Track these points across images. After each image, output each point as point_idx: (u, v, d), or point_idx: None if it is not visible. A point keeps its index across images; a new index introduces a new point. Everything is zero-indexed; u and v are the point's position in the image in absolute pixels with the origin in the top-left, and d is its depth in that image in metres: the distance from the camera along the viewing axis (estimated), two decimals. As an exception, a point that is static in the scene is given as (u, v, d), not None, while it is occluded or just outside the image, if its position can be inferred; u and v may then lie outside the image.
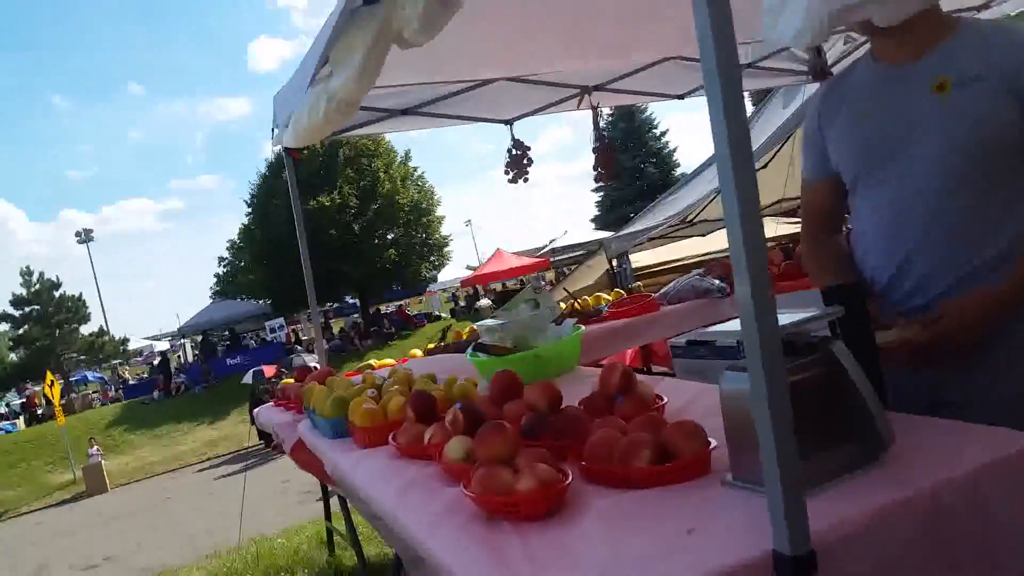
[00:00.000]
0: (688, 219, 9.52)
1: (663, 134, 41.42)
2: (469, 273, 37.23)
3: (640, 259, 10.53)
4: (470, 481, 1.60)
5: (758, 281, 1.08)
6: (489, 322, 2.91)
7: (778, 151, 8.73)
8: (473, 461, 1.73)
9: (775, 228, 11.81)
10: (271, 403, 3.77)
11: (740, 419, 1.38)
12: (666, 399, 1.94)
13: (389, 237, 31.49)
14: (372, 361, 4.17)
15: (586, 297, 4.54)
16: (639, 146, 40.74)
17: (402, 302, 38.26)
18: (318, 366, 4.10)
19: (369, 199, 30.17)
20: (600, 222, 40.59)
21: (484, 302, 31.13)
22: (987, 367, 1.73)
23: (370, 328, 31.10)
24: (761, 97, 9.69)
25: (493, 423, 1.64)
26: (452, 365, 3.20)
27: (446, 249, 34.20)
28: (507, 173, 4.56)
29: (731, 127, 1.07)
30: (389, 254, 30.74)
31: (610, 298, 4.55)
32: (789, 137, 8.42)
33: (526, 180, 4.57)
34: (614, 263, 10.29)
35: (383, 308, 36.50)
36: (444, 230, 33.84)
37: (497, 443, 1.58)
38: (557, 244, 36.23)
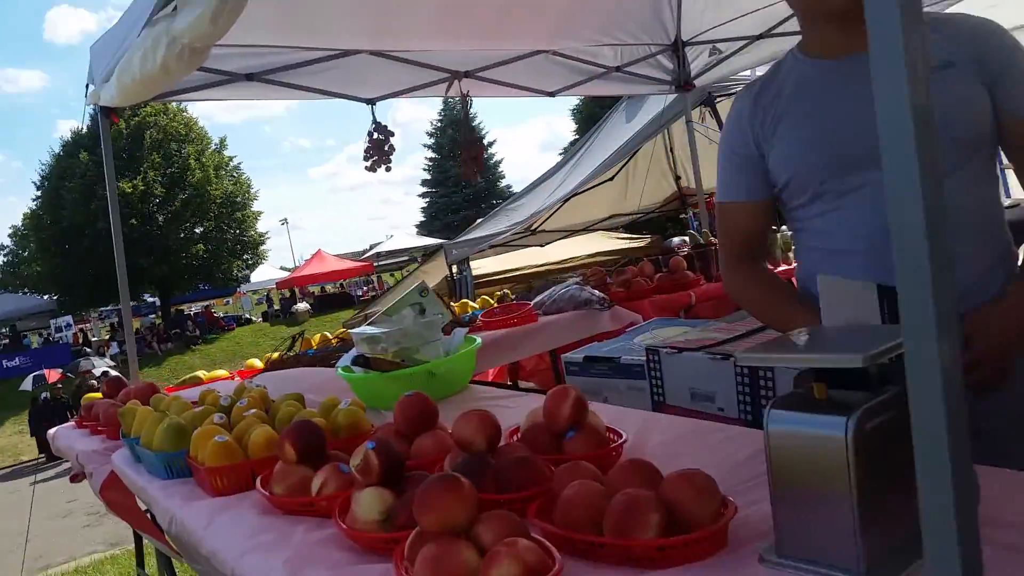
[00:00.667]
0: (532, 228, 9.35)
1: (490, 144, 41.75)
2: (285, 274, 35.48)
3: (481, 267, 10.24)
4: (404, 559, 1.13)
5: (941, 294, 0.70)
6: (368, 330, 2.40)
7: (623, 166, 8.78)
8: (395, 525, 1.26)
9: (605, 243, 11.99)
10: (72, 423, 3.00)
11: (804, 473, 1.03)
12: (624, 435, 1.55)
13: (198, 231, 29.19)
14: (200, 373, 3.49)
15: (452, 304, 4.10)
16: (466, 155, 40.74)
17: (208, 303, 35.66)
18: (120, 375, 3.36)
19: (177, 188, 27.82)
20: (425, 228, 40.26)
21: (302, 306, 29.71)
22: (1015, 389, 1.50)
23: (171, 331, 28.63)
24: (607, 106, 9.71)
25: (443, 476, 1.17)
26: (315, 382, 2.65)
27: (261, 247, 32.28)
28: (367, 159, 4.04)
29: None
30: (197, 249, 28.46)
31: (476, 306, 4.14)
32: (633, 153, 8.47)
33: (388, 168, 4.08)
34: (454, 269, 9.92)
35: (185, 309, 33.80)
36: (260, 227, 31.93)
37: (450, 505, 1.11)
38: (382, 248, 35.50)
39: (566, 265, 11.51)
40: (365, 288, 34.08)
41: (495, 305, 3.92)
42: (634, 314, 3.65)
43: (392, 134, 4.02)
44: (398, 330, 2.35)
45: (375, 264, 34.63)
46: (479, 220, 11.23)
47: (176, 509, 1.75)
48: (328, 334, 3.64)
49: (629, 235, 12.35)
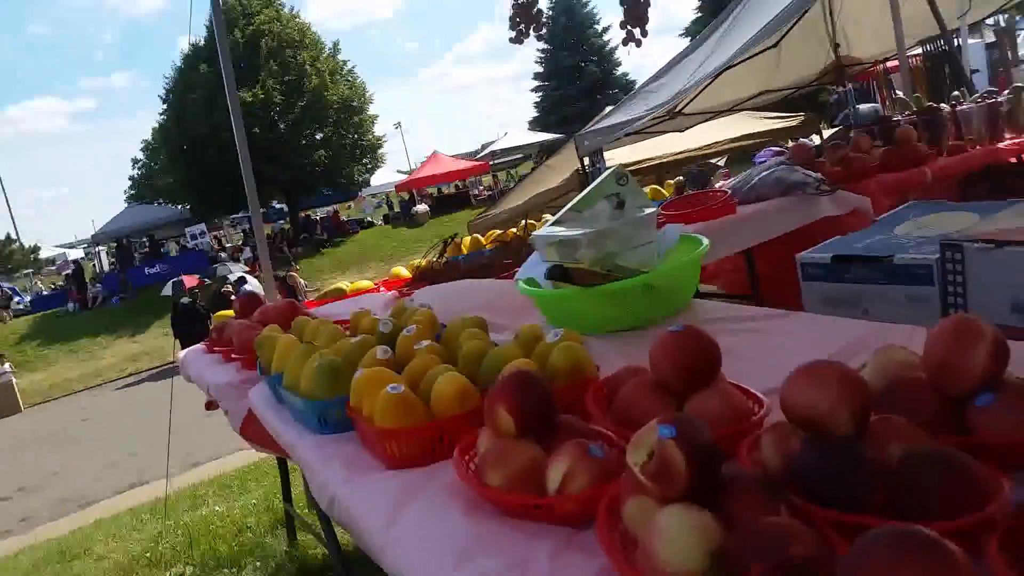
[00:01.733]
0: (676, 110, 8.43)
1: (605, 30, 39.41)
2: (403, 177, 35.52)
3: (613, 157, 9.47)
4: None
5: None
6: (560, 231, 1.82)
7: (789, 30, 7.67)
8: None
9: (753, 124, 10.87)
10: (202, 346, 2.62)
11: None
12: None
13: (318, 137, 29.25)
14: (343, 284, 3.05)
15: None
16: (580, 43, 38.74)
17: (332, 207, 36.29)
18: (257, 289, 2.95)
19: (295, 95, 27.76)
20: (539, 123, 39.08)
21: (421, 207, 29.68)
22: None
23: (299, 235, 29.30)
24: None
25: (909, 536, 0.58)
26: (486, 298, 2.12)
27: (379, 151, 32.20)
28: (513, 27, 3.38)
29: None
30: (319, 155, 28.61)
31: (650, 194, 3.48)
32: (804, 11, 7.34)
33: (539, 34, 3.42)
34: (586, 162, 9.19)
35: (312, 214, 34.54)
36: (376, 131, 31.74)
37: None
38: (496, 147, 34.73)
39: (710, 151, 10.56)
40: (481, 187, 33.60)
41: (666, 195, 3.26)
42: (862, 197, 2.92)
43: (539, -4, 3.35)
44: (598, 231, 1.75)
45: (490, 163, 34.02)
46: (609, 107, 10.37)
47: (339, 485, 1.26)
48: (480, 237, 3.12)
49: (779, 114, 11.17)
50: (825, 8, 8.62)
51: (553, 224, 1.94)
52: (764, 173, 3.02)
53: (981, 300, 1.75)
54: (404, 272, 3.10)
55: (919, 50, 8.66)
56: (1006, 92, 3.61)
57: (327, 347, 1.62)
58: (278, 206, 34.47)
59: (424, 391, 1.30)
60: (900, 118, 3.48)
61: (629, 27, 3.49)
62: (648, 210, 1.85)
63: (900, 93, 4.63)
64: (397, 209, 32.31)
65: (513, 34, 3.45)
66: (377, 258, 23.69)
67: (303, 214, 32.34)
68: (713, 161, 11.23)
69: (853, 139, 3.32)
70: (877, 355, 1.05)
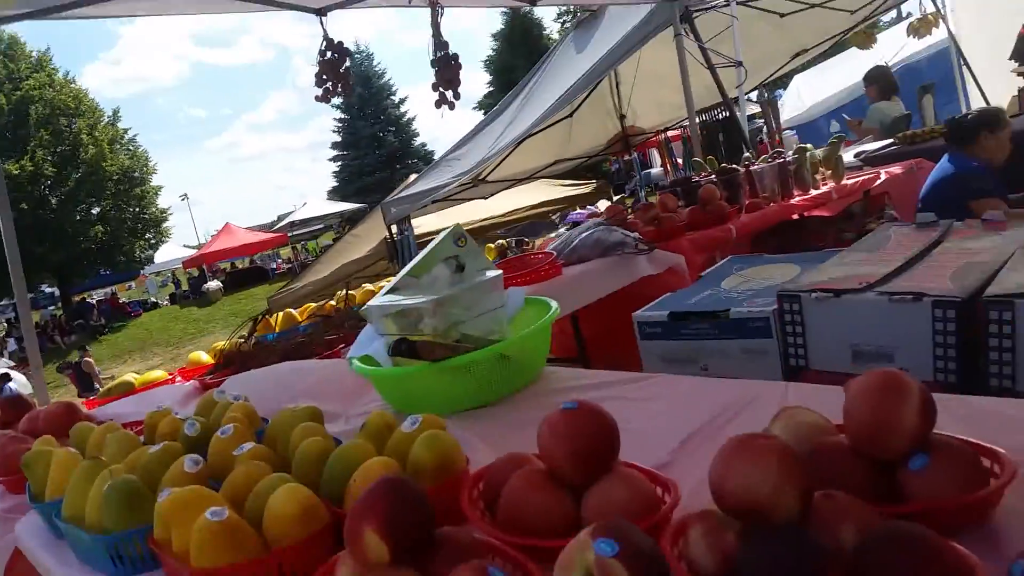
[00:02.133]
0: (480, 177, 8.54)
1: (402, 102, 40.04)
2: (191, 252, 33.45)
3: (420, 225, 9.41)
4: None
5: None
6: (395, 299, 1.62)
7: (585, 99, 8.06)
8: None
9: (551, 191, 11.29)
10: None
11: None
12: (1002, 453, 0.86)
13: (95, 212, 26.94)
14: (130, 377, 2.62)
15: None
16: (378, 113, 38.99)
17: (110, 288, 33.30)
18: (25, 389, 2.48)
19: (69, 166, 25.49)
20: (339, 193, 38.58)
21: (213, 284, 27.99)
22: None
23: (73, 321, 26.50)
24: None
25: None
26: (310, 383, 1.86)
27: (164, 225, 30.17)
28: (319, 85, 3.19)
29: None
30: (95, 231, 26.28)
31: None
32: (597, 83, 7.76)
33: (347, 95, 3.25)
34: (394, 229, 9.05)
35: (87, 297, 31.44)
36: (160, 203, 29.77)
37: None
38: (295, 217, 33.70)
39: (512, 217, 10.80)
40: (279, 261, 32.34)
41: (496, 256, 3.18)
42: (675, 255, 2.97)
43: (349, 53, 3.18)
44: (441, 298, 1.58)
45: (289, 234, 32.94)
46: (413, 176, 10.36)
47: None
48: (294, 312, 2.83)
49: (573, 181, 11.69)
50: (612, 82, 9.19)
51: (388, 292, 1.74)
52: (584, 235, 3.01)
53: (822, 350, 1.77)
54: (205, 357, 2.74)
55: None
56: (791, 153, 3.92)
57: (118, 462, 1.30)
58: (48, 290, 31.11)
59: (253, 512, 1.04)
60: (698, 179, 3.65)
61: (441, 89, 3.40)
62: (492, 273, 1.71)
63: (695, 157, 4.92)
64: (185, 287, 30.28)
65: (320, 92, 3.25)
66: (164, 343, 21.62)
67: (77, 298, 29.41)
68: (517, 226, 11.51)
69: (659, 199, 3.43)
70: (781, 418, 0.95)
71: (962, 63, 8.77)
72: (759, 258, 2.40)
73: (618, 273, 2.89)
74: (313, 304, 2.98)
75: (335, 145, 39.65)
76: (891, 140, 5.60)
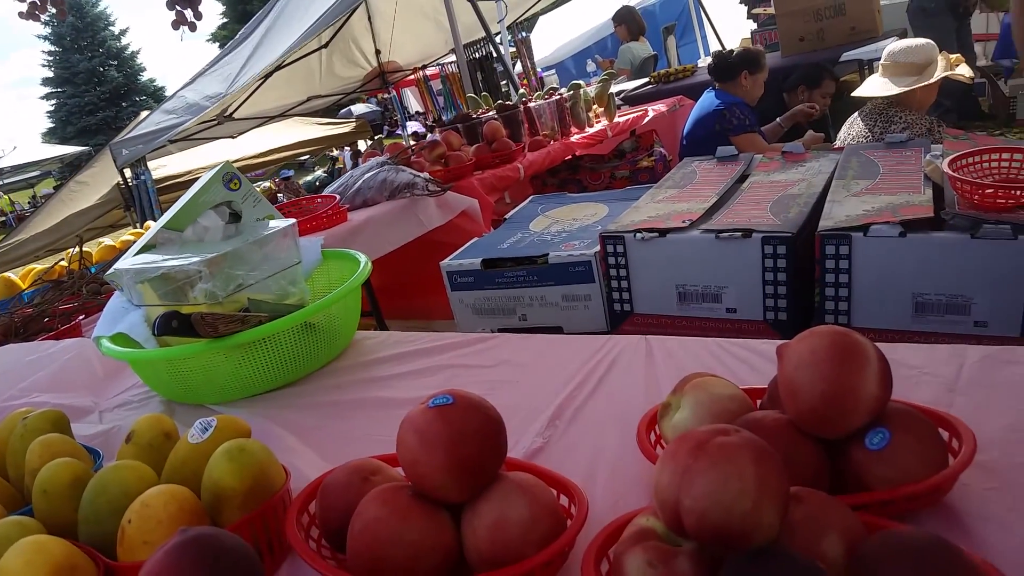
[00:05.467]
0: (227, 113, 7.76)
1: (123, 32, 35.49)
2: None
3: (160, 167, 8.43)
4: None
5: None
6: (153, 260, 1.26)
7: (339, 29, 7.52)
8: None
9: (307, 130, 10.60)
10: None
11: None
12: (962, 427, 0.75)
13: None
14: None
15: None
16: (95, 45, 34.34)
17: None
18: None
19: None
20: (57, 135, 33.83)
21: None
22: None
23: None
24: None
25: None
26: (49, 372, 1.43)
27: None
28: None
29: None
30: None
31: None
32: (354, 8, 7.25)
33: (59, 15, 2.65)
34: (127, 173, 8.01)
35: None
36: None
37: None
38: (4, 164, 29.04)
39: (267, 158, 10.02)
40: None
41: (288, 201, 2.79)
42: (467, 198, 2.77)
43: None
44: (217, 256, 1.25)
45: (-3, 183, 28.41)
46: (146, 112, 9.20)
47: None
48: (14, 277, 2.26)
49: (331, 119, 11.05)
50: (363, 15, 8.69)
51: (142, 251, 1.36)
52: (368, 175, 2.71)
53: (647, 293, 1.67)
54: None
55: (453, 57, 9.25)
56: (566, 89, 3.85)
57: None
58: None
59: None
60: (476, 116, 3.46)
61: (179, 8, 2.88)
62: (280, 222, 1.40)
63: (470, 94, 4.72)
64: None
65: (24, 7, 2.60)
66: None
67: None
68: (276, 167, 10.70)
69: (443, 137, 3.20)
70: (690, 389, 0.78)
71: (699, 6, 9.37)
72: (562, 197, 2.28)
73: (409, 219, 2.64)
74: (38, 266, 2.41)
75: (47, 81, 34.48)
76: (646, 79, 5.79)
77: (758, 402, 0.82)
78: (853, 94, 2.87)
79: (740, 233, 1.51)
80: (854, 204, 1.51)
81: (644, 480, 0.80)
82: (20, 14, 2.64)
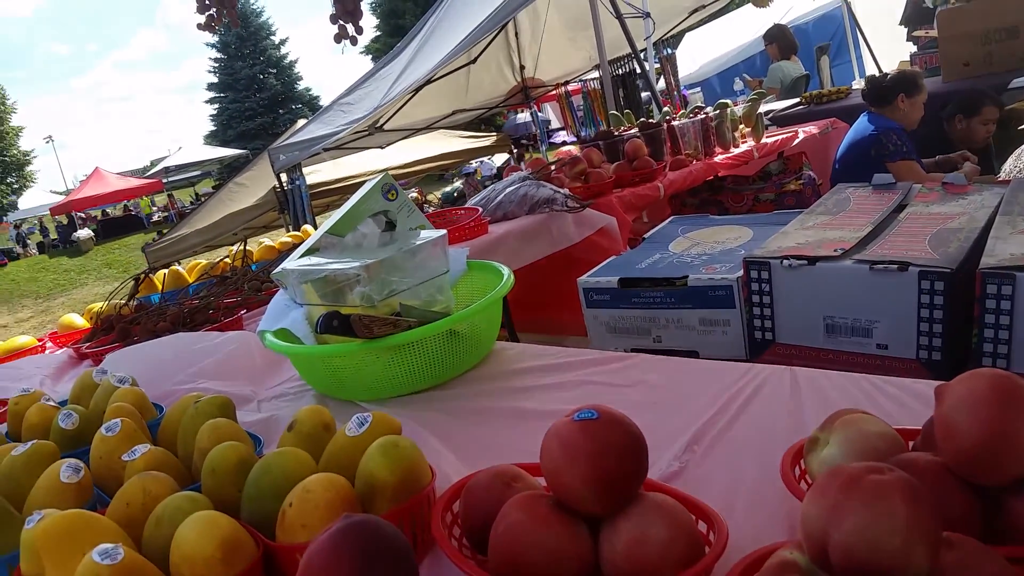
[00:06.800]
0: (377, 124, 8.13)
1: (283, 42, 37.99)
2: (59, 199, 31.01)
3: (312, 173, 8.92)
4: None
5: None
6: (317, 262, 1.36)
7: (488, 44, 7.73)
8: None
9: (450, 143, 10.93)
10: None
11: None
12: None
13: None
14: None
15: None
16: (256, 54, 36.89)
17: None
18: None
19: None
20: (217, 138, 36.52)
21: (84, 232, 26.06)
22: None
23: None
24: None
25: None
26: (214, 360, 1.57)
27: (28, 168, 27.72)
28: (201, 10, 2.81)
29: None
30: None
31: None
32: (503, 25, 7.45)
33: (232, 23, 2.88)
34: (283, 178, 8.53)
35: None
36: (22, 145, 27.30)
37: None
38: (169, 163, 31.65)
39: (412, 168, 10.41)
40: (154, 207, 30.27)
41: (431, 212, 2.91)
42: (606, 216, 2.79)
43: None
44: (375, 262, 1.32)
45: (164, 181, 30.97)
46: (303, 120, 9.78)
47: None
48: (181, 269, 2.48)
49: (473, 133, 11.35)
50: (509, 32, 8.89)
51: (307, 253, 1.47)
52: (509, 189, 2.78)
53: (791, 322, 1.63)
54: (79, 321, 2.36)
55: (596, 73, 9.28)
56: (712, 108, 3.80)
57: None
58: None
59: (155, 546, 0.79)
60: (619, 134, 3.47)
61: (341, 22, 3.07)
62: (433, 232, 1.47)
63: (612, 111, 4.74)
64: (54, 236, 28.07)
65: (203, 19, 2.86)
66: (33, 295, 19.80)
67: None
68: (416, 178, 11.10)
69: (584, 154, 3.24)
70: (838, 425, 0.77)
71: (855, 26, 8.97)
72: (705, 218, 2.26)
73: (547, 234, 2.69)
74: (203, 260, 2.63)
75: (211, 87, 37.31)
76: (797, 100, 5.61)
77: (911, 444, 0.79)
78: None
79: (896, 266, 1.45)
80: (1020, 242, 1.41)
81: (785, 514, 0.79)
82: (199, 25, 2.90)
